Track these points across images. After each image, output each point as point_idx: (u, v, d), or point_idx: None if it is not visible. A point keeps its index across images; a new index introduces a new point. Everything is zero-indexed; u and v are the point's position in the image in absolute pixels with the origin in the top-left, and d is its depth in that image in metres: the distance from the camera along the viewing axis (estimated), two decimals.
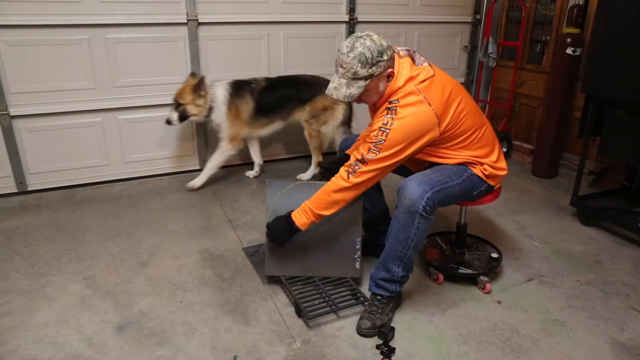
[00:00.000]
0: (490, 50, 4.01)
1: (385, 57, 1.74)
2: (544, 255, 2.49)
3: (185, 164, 3.51)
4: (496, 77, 4.20)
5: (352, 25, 3.65)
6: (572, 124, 3.52)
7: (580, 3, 3.34)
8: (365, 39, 1.72)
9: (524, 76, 3.95)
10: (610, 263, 2.43)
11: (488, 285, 2.15)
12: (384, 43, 1.75)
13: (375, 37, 1.74)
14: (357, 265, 2.11)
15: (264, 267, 2.17)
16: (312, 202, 1.90)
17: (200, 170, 3.53)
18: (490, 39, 4.01)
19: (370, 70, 1.73)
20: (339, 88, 1.78)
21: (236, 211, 2.93)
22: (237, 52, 3.40)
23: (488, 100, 4.33)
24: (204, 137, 3.49)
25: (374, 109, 1.99)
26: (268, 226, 2.02)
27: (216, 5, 3.24)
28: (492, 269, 2.23)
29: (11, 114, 2.92)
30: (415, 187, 1.76)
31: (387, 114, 1.76)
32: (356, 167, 1.82)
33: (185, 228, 2.71)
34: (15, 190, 3.10)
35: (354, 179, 1.82)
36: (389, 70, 1.78)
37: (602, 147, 2.65)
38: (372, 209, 2.28)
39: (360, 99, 1.84)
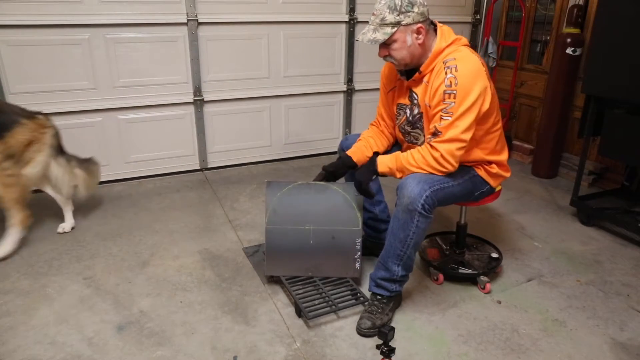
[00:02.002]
0: (490, 50, 4.01)
1: (415, 10, 1.76)
2: (544, 255, 2.49)
3: (185, 164, 3.50)
4: (496, 77, 4.20)
5: (352, 25, 3.64)
6: (572, 124, 3.52)
7: (580, 3, 3.34)
8: None
9: (524, 76, 3.95)
10: (610, 263, 2.43)
11: (488, 285, 2.15)
12: None
13: None
14: (357, 265, 2.11)
15: (264, 267, 2.17)
16: (406, 160, 1.81)
17: (200, 170, 3.54)
18: (490, 39, 4.01)
19: (397, 18, 1.75)
20: (365, 33, 1.83)
21: (236, 211, 2.93)
22: (237, 52, 3.40)
23: None
24: (204, 137, 3.49)
25: (408, 86, 1.93)
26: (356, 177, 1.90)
27: (216, 5, 3.24)
28: (492, 269, 2.23)
29: None
30: (414, 186, 1.76)
31: (448, 74, 1.74)
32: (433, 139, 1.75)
33: (185, 228, 2.71)
34: None
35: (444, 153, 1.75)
36: (419, 25, 1.79)
37: (602, 147, 2.66)
38: (372, 208, 2.28)
39: (389, 52, 1.83)
